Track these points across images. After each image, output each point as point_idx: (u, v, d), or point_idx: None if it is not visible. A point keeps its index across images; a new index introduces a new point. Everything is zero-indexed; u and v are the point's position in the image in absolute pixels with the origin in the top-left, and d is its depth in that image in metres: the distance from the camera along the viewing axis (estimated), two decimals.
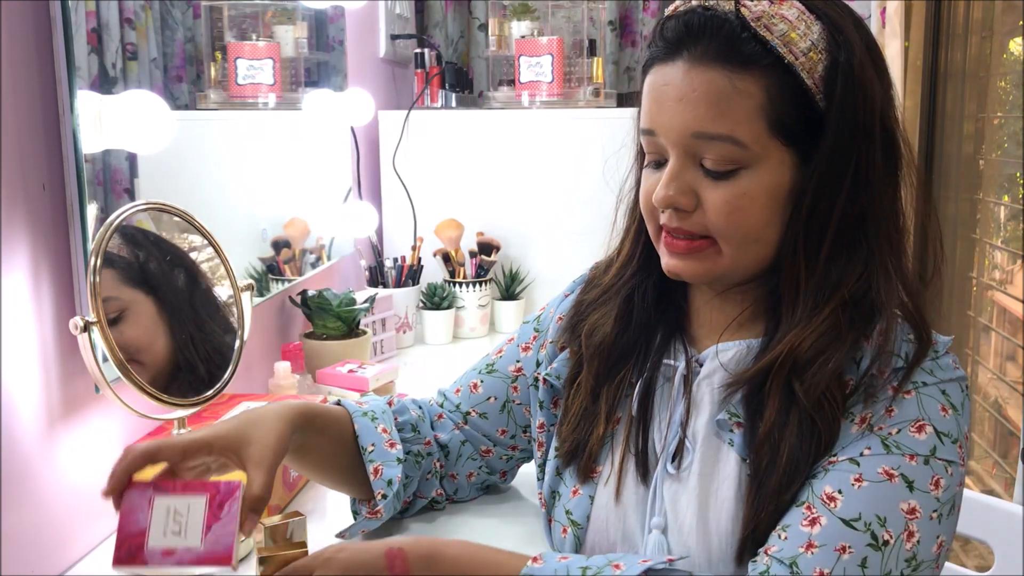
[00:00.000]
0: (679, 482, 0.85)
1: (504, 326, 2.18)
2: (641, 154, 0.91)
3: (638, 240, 0.93)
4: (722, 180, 0.80)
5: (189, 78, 1.43)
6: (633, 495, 0.88)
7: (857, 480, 0.76)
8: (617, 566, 0.76)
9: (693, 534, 0.83)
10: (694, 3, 0.81)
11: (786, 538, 0.75)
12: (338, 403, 1.03)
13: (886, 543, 0.73)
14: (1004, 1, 1.86)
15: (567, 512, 0.91)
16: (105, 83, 1.14)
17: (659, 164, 0.84)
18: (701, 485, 0.84)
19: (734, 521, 0.81)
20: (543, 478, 0.97)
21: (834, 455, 0.78)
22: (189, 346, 1.07)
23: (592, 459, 0.91)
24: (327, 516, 1.16)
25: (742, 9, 0.78)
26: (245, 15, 1.70)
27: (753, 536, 0.79)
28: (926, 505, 0.75)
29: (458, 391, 1.09)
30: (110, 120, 1.07)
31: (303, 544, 0.87)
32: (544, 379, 0.97)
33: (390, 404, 1.06)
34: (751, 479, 0.80)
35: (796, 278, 0.82)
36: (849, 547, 0.73)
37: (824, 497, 0.76)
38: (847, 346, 0.80)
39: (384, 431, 1.01)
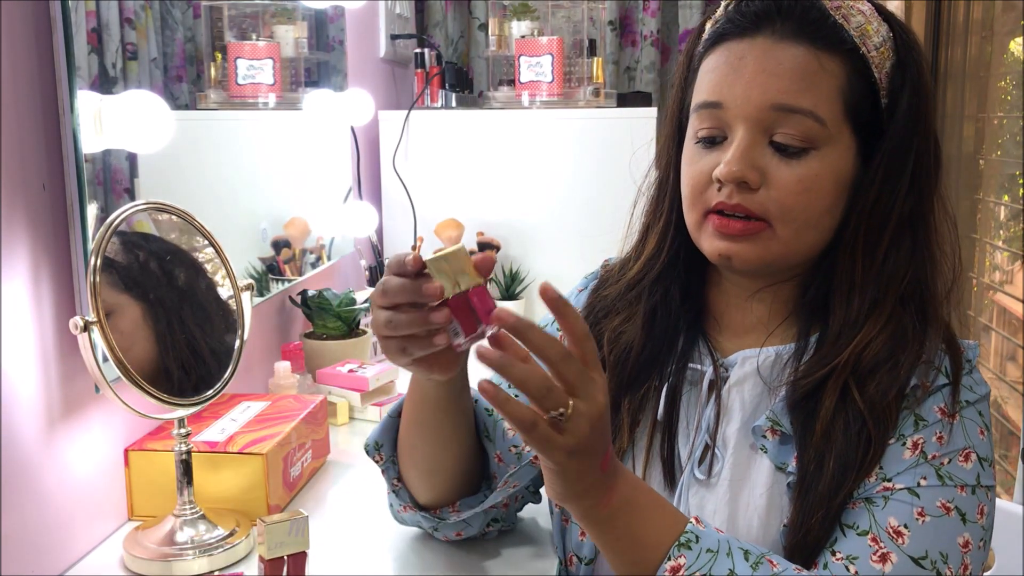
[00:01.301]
0: (707, 488, 0.85)
1: None
2: (675, 143, 0.89)
3: (666, 234, 0.91)
4: (793, 159, 0.80)
5: (189, 78, 1.43)
6: None
7: (920, 514, 0.77)
8: (772, 564, 0.75)
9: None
10: None
11: (856, 572, 0.75)
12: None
13: None
14: (1004, 1, 1.86)
15: None
16: (105, 83, 1.14)
17: (713, 142, 0.83)
18: (731, 492, 0.83)
19: (764, 528, 0.81)
20: None
21: (889, 479, 0.78)
22: (185, 348, 1.06)
23: None
24: (328, 516, 1.16)
25: None
26: (245, 15, 1.70)
27: (804, 541, 0.79)
28: (975, 535, 0.77)
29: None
30: (110, 120, 1.07)
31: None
32: None
33: None
34: (798, 483, 0.80)
35: (852, 272, 0.82)
36: None
37: (890, 531, 0.76)
38: (914, 352, 0.80)
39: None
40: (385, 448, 0.96)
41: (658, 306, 0.91)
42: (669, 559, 0.74)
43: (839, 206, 0.82)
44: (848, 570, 0.75)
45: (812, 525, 0.78)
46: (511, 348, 0.68)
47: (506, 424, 0.91)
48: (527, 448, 0.92)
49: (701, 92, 0.84)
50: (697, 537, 0.75)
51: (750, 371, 0.86)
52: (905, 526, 0.76)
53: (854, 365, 0.80)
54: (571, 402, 0.67)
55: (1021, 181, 1.84)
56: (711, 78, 0.83)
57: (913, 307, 0.83)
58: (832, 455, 0.79)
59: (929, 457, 0.78)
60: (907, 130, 0.81)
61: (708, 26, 0.87)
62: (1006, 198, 1.92)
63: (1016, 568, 1.22)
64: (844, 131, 0.81)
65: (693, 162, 0.85)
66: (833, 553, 0.77)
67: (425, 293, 0.71)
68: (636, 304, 0.92)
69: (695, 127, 0.85)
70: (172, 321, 1.06)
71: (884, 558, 0.75)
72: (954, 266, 0.87)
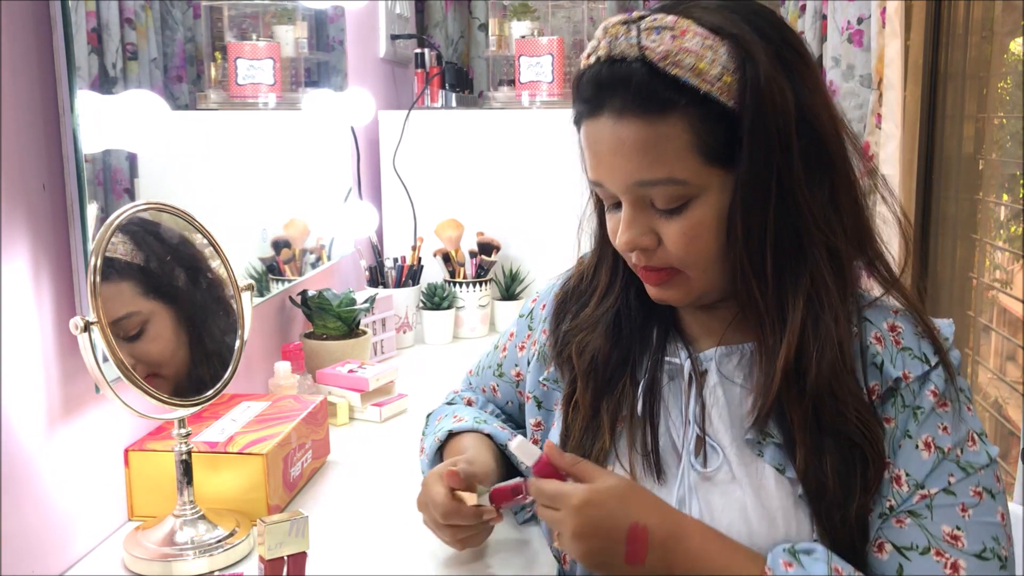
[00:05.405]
0: (710, 482, 0.86)
1: (504, 326, 2.18)
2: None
3: (616, 269, 0.94)
4: (675, 215, 0.81)
5: (189, 78, 1.43)
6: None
7: (963, 510, 0.79)
8: None
9: (742, 538, 0.83)
10: (600, 54, 0.80)
11: None
12: (450, 433, 1.09)
13: (1006, 559, 0.79)
14: (1004, 1, 1.86)
15: None
16: (105, 83, 1.14)
17: (618, 205, 0.86)
18: (742, 490, 0.84)
19: (773, 527, 0.83)
20: None
21: (922, 486, 0.80)
22: (196, 349, 1.07)
23: None
24: (328, 516, 1.16)
25: (646, 52, 0.77)
26: (245, 15, 1.70)
27: (834, 546, 0.81)
28: (1004, 505, 0.81)
29: (484, 390, 1.16)
30: (110, 120, 1.07)
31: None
32: (529, 396, 1.03)
33: (469, 403, 1.17)
34: (806, 495, 0.81)
35: (752, 299, 0.83)
36: None
37: (948, 538, 0.79)
38: (832, 335, 0.81)
39: (502, 427, 1.09)
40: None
41: (620, 312, 0.94)
42: None
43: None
44: None
45: (835, 527, 0.80)
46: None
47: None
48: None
49: (587, 169, 0.86)
50: None
51: (726, 370, 0.89)
52: (958, 528, 0.79)
53: (797, 377, 0.81)
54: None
55: (1021, 181, 1.84)
56: (587, 156, 0.85)
57: (831, 299, 0.82)
58: (827, 468, 0.80)
59: (945, 451, 0.81)
60: (757, 145, 0.78)
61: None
62: (1006, 198, 1.92)
63: (1016, 568, 1.21)
64: (712, 174, 0.79)
65: (610, 224, 0.88)
66: None
67: (488, 518, 0.97)
68: (599, 323, 0.95)
69: (599, 195, 0.89)
70: (189, 328, 1.07)
71: (955, 567, 0.78)
72: (904, 234, 0.87)
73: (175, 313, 1.06)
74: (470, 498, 0.96)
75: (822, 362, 0.80)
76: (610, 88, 0.79)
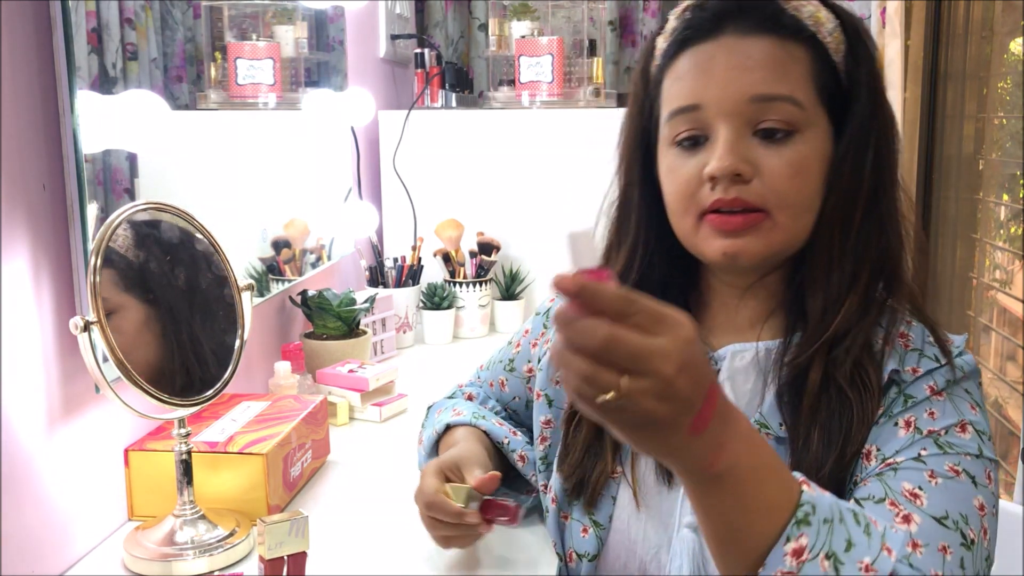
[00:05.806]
0: None
1: (504, 326, 2.18)
2: (639, 164, 0.90)
3: (634, 254, 0.91)
4: (779, 145, 0.81)
5: (189, 78, 1.43)
6: (656, 496, 0.87)
7: (931, 476, 0.76)
8: (874, 522, 0.69)
9: None
10: None
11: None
12: (447, 426, 1.10)
13: (972, 542, 0.74)
14: (1004, 1, 1.86)
15: (589, 513, 0.91)
16: (105, 83, 1.14)
17: (695, 143, 0.83)
18: None
19: None
20: (544, 470, 0.99)
21: (890, 457, 0.78)
22: (187, 348, 1.06)
23: (597, 494, 0.90)
24: (328, 516, 1.16)
25: None
26: (245, 15, 1.70)
27: None
28: (988, 500, 0.77)
29: (492, 384, 1.17)
30: (110, 120, 1.07)
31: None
32: (540, 393, 1.00)
33: (470, 398, 1.18)
34: (791, 458, 0.80)
35: (830, 246, 0.83)
36: (948, 547, 0.73)
37: (907, 494, 0.75)
38: (874, 316, 0.83)
39: (499, 423, 1.10)
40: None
41: None
42: (788, 540, 0.65)
43: (823, 187, 0.84)
44: None
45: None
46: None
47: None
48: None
49: (673, 99, 0.84)
50: (813, 507, 0.66)
51: (740, 366, 0.87)
52: (920, 488, 0.75)
53: (835, 339, 0.81)
54: (621, 383, 0.57)
55: (1021, 181, 1.84)
56: (682, 84, 0.84)
57: (884, 279, 0.85)
58: (816, 428, 0.80)
59: (924, 432, 0.78)
60: (869, 107, 0.84)
61: (662, 40, 0.88)
62: (1006, 198, 1.92)
63: (1016, 568, 1.21)
64: (820, 113, 0.83)
65: (676, 168, 0.85)
66: None
67: (472, 525, 0.94)
68: None
69: (672, 133, 0.85)
70: (166, 328, 1.06)
71: (907, 519, 0.73)
72: (920, 244, 0.89)
73: (148, 313, 1.03)
74: (457, 495, 0.94)
75: (859, 333, 0.81)
76: (738, 11, 0.83)
